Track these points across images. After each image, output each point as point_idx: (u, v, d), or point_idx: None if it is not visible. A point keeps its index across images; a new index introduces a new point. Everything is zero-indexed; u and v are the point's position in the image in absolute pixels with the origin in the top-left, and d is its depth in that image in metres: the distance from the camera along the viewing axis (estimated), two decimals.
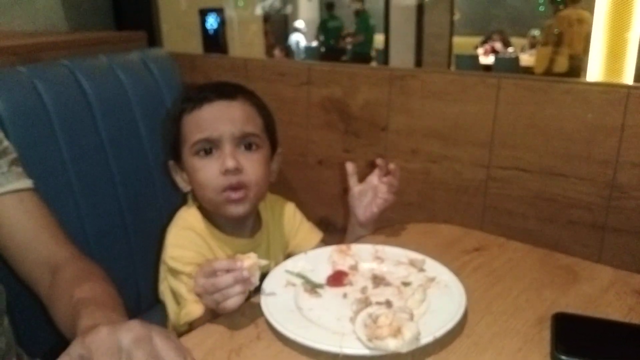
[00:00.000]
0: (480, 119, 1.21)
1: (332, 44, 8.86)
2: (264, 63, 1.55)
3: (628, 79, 6.64)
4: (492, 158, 1.22)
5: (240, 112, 1.05)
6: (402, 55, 4.85)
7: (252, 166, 1.03)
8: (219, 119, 1.03)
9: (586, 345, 0.68)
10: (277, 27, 9.17)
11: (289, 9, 10.69)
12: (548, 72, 6.18)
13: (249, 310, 0.79)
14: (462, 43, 8.31)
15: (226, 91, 1.07)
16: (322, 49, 9.13)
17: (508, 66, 7.09)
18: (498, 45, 7.79)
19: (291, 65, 1.56)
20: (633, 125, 1.05)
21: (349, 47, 8.42)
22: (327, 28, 9.04)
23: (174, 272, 1.02)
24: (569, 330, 0.71)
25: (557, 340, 0.69)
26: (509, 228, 1.22)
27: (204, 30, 2.28)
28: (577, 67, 6.03)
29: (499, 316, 0.77)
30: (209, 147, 1.02)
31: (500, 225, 1.23)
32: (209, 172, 1.02)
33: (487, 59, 7.48)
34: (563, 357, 0.66)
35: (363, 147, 1.39)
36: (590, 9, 6.56)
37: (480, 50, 7.89)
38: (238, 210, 1.03)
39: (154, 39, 1.79)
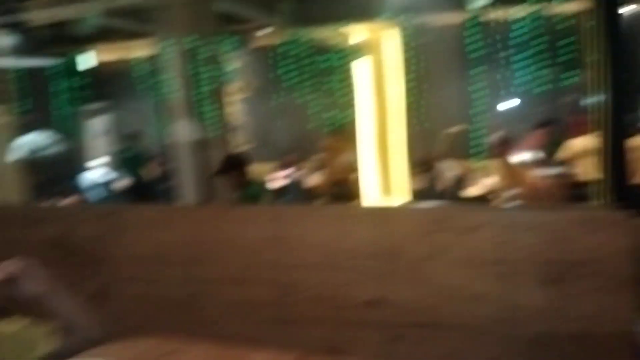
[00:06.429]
0: (185, 241, 1.39)
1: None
2: None
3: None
4: (200, 273, 1.40)
5: None
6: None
7: None
8: None
9: None
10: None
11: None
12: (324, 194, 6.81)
13: None
14: (260, 169, 8.92)
15: None
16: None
17: (296, 188, 7.72)
18: (290, 170, 8.44)
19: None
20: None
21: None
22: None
23: None
24: None
25: None
26: None
27: None
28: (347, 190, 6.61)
29: None
30: None
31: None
32: None
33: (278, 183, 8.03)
34: None
35: (87, 279, 1.48)
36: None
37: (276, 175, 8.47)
38: None
39: None
